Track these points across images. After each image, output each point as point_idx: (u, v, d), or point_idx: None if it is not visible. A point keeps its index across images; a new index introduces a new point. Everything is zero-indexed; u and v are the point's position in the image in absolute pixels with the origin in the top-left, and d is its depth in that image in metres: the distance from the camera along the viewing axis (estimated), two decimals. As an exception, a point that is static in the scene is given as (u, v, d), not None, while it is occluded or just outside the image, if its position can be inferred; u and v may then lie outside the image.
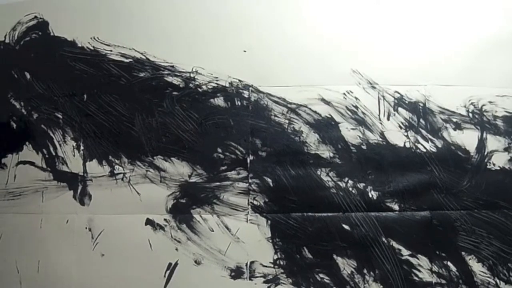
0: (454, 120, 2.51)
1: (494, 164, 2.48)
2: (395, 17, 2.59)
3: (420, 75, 2.53)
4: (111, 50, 2.64)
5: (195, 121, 2.57)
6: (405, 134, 2.50)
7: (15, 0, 2.73)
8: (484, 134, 2.50)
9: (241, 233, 2.49)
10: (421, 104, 2.52)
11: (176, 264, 2.50)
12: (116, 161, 2.59)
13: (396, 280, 2.41)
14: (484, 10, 2.56)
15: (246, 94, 2.57)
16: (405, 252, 2.43)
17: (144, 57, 2.62)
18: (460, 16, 2.57)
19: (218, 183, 2.53)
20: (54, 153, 2.63)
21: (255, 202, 2.50)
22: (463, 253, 2.43)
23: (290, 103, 2.55)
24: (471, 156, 2.48)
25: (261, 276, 2.46)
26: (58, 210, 2.59)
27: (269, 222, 2.49)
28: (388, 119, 2.52)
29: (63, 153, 2.63)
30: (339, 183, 2.48)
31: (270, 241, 2.48)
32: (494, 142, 2.49)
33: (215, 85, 2.58)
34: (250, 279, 2.46)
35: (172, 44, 2.61)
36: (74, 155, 2.62)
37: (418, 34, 2.57)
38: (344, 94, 2.54)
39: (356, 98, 2.54)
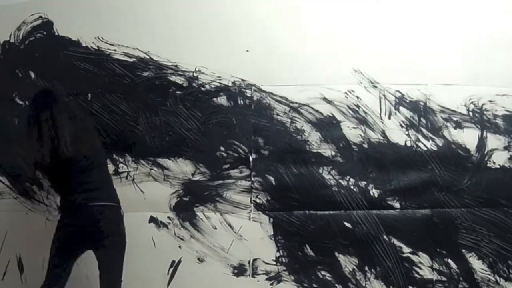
0: (455, 119, 2.53)
1: (494, 163, 2.50)
2: (396, 17, 2.62)
3: (420, 74, 2.56)
4: (115, 50, 2.67)
5: (198, 120, 2.59)
6: (406, 132, 2.53)
7: (20, 0, 2.76)
8: (484, 133, 2.52)
9: (244, 231, 2.51)
10: (422, 103, 2.55)
11: (179, 261, 2.52)
12: (120, 159, 2.61)
13: (397, 277, 2.44)
14: (484, 11, 2.59)
15: (248, 93, 2.59)
16: (406, 249, 2.46)
17: (148, 57, 2.65)
18: (461, 16, 2.59)
19: (221, 182, 2.55)
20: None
21: (257, 200, 2.52)
22: (463, 250, 2.45)
23: (292, 102, 2.57)
24: (471, 154, 2.51)
25: (263, 274, 2.48)
26: (63, 208, 2.61)
27: (271, 220, 2.51)
28: (389, 118, 2.55)
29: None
30: (341, 181, 2.51)
31: (273, 238, 2.50)
32: (494, 141, 2.52)
33: (218, 84, 2.61)
34: (252, 276, 2.48)
35: (175, 43, 2.63)
36: (78, 154, 2.64)
37: (419, 34, 2.60)
38: (345, 93, 2.57)
39: (358, 97, 2.56)
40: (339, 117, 2.55)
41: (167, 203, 2.55)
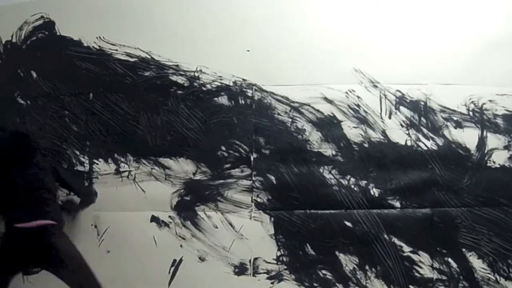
0: (455, 118, 2.54)
1: (494, 162, 2.51)
2: (396, 17, 2.62)
3: (421, 74, 2.57)
4: (116, 50, 2.68)
5: (199, 119, 2.60)
6: (407, 132, 2.54)
7: (22, 0, 2.77)
8: (484, 132, 2.53)
9: (245, 230, 2.52)
10: (422, 103, 2.56)
11: (180, 260, 2.53)
12: (122, 159, 2.62)
13: (397, 276, 2.44)
14: (484, 11, 2.60)
15: (249, 93, 2.60)
16: (406, 248, 2.46)
17: (149, 57, 2.66)
18: (461, 16, 2.60)
19: (222, 181, 2.55)
20: (60, 151, 2.67)
21: (258, 200, 2.53)
22: (463, 249, 2.46)
23: (293, 102, 2.58)
24: (471, 154, 2.52)
25: (264, 272, 2.49)
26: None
27: (272, 219, 2.52)
28: (389, 117, 2.56)
29: (69, 151, 2.66)
30: (342, 180, 2.52)
31: (274, 237, 2.50)
32: (494, 140, 2.52)
33: (219, 84, 2.62)
34: (253, 275, 2.49)
35: (176, 43, 2.65)
36: (80, 153, 2.65)
37: (419, 34, 2.60)
38: (346, 93, 2.57)
39: (358, 97, 2.57)
40: (339, 116, 2.56)
41: (168, 202, 2.56)
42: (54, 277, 2.52)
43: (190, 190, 2.56)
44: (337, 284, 2.46)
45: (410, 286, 2.43)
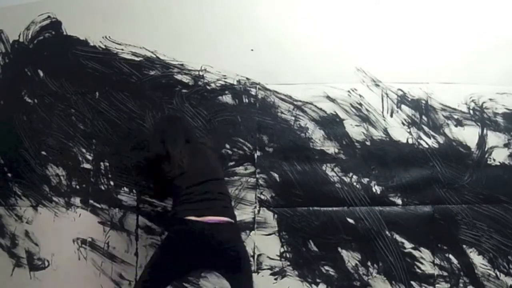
0: (456, 116, 2.57)
1: (494, 160, 2.54)
2: (397, 16, 2.65)
3: (422, 73, 2.60)
4: (122, 49, 2.71)
5: (204, 118, 2.63)
6: (408, 130, 2.57)
7: (29, 0, 2.80)
8: (485, 131, 2.56)
9: (249, 227, 2.54)
10: (424, 101, 2.59)
11: (185, 256, 2.55)
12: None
13: (399, 272, 2.47)
14: (485, 10, 2.63)
15: (253, 91, 2.64)
16: (408, 245, 2.49)
17: (155, 56, 2.69)
18: (461, 16, 2.63)
19: (226, 178, 2.56)
20: (67, 149, 2.70)
21: (262, 197, 2.56)
22: (464, 246, 2.49)
23: (296, 101, 2.62)
24: (472, 152, 2.55)
25: (268, 269, 2.51)
26: (71, 205, 2.65)
27: (275, 216, 2.54)
28: (391, 116, 2.59)
29: (75, 149, 2.69)
30: (344, 178, 2.55)
31: (277, 234, 2.53)
32: (494, 138, 2.56)
33: (223, 83, 2.65)
34: (257, 272, 2.51)
35: (181, 43, 2.68)
36: (86, 151, 2.68)
37: (420, 33, 2.64)
38: (348, 91, 2.61)
39: (360, 96, 2.60)
40: (342, 115, 2.59)
41: (173, 200, 2.59)
42: (61, 273, 2.57)
43: (194, 187, 2.59)
44: (339, 280, 2.48)
45: (412, 282, 2.46)
